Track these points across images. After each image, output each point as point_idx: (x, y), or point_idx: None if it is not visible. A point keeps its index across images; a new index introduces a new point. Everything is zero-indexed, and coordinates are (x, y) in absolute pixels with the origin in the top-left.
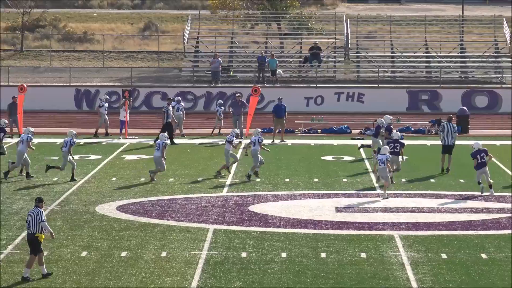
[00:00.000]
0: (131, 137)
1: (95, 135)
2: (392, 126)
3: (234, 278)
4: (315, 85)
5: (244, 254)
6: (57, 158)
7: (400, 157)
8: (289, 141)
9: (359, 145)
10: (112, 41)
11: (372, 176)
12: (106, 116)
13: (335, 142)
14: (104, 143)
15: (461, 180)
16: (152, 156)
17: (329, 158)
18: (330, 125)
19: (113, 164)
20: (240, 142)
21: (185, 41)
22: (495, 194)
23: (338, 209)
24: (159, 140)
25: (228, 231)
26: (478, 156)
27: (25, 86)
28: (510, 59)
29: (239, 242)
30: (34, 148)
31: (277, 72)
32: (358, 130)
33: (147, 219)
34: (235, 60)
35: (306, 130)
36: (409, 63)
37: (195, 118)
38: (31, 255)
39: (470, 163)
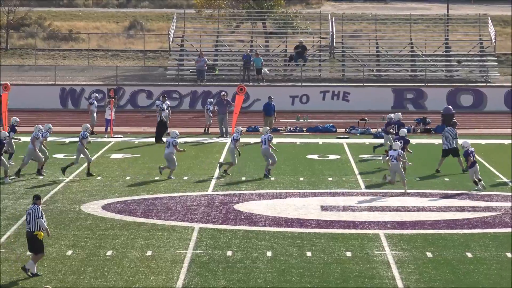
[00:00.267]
0: (116, 135)
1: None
2: (402, 122)
3: (219, 277)
4: (300, 84)
5: (229, 253)
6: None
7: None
8: (274, 140)
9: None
10: (97, 39)
11: (358, 176)
12: (95, 115)
13: (320, 140)
14: (89, 141)
15: (446, 179)
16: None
17: (315, 156)
18: (315, 124)
19: (98, 163)
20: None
21: (171, 39)
22: (481, 193)
23: (323, 208)
24: (169, 137)
25: (214, 230)
26: (471, 154)
27: (9, 84)
28: (495, 58)
29: (224, 241)
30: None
31: (262, 70)
32: (344, 129)
33: (133, 218)
34: (221, 59)
35: (292, 128)
36: (394, 62)
37: (180, 116)
38: (33, 253)
39: (455, 162)
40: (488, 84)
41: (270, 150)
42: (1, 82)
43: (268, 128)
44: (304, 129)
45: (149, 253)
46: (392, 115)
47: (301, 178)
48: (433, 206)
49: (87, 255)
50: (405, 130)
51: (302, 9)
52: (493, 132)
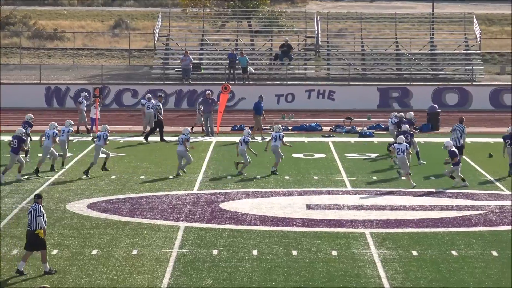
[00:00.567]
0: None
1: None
2: (413, 121)
3: (205, 275)
4: (285, 83)
5: (215, 252)
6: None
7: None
8: (259, 138)
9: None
10: (83, 38)
11: (344, 174)
12: (84, 113)
13: (306, 139)
14: (74, 140)
15: (432, 178)
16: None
17: (300, 155)
18: (300, 123)
19: (84, 162)
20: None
21: (156, 38)
22: (467, 191)
23: (309, 207)
24: (181, 135)
25: (199, 229)
26: (457, 153)
27: None
28: (480, 57)
29: (210, 239)
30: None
31: (248, 69)
32: (329, 128)
33: (118, 217)
34: (206, 58)
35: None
36: (380, 61)
37: (165, 115)
38: (42, 250)
39: (441, 161)
40: (473, 83)
41: (279, 148)
42: None
43: (280, 126)
44: (290, 128)
45: (134, 252)
46: (402, 114)
47: (287, 177)
48: (419, 205)
49: (72, 254)
50: (407, 126)
51: (288, 8)
52: (478, 131)
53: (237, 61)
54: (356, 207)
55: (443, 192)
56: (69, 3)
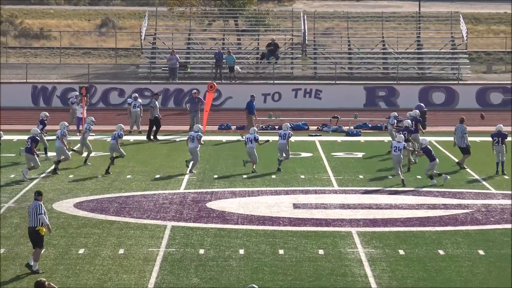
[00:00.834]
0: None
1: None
2: (419, 118)
3: (192, 275)
4: (272, 82)
5: (202, 251)
6: (13, 155)
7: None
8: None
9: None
10: (69, 37)
11: (330, 173)
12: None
13: (292, 138)
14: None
15: (418, 177)
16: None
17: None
18: (287, 122)
19: (70, 161)
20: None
21: (142, 37)
22: (453, 190)
23: (295, 206)
24: (192, 132)
25: (186, 228)
26: (431, 150)
27: None
28: (467, 56)
29: (197, 239)
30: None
31: (234, 68)
32: (316, 127)
33: (105, 216)
34: (193, 57)
35: (264, 126)
36: (366, 60)
37: None
38: (36, 248)
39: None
40: (460, 82)
41: (287, 146)
42: None
43: (288, 124)
44: (276, 127)
45: (121, 251)
46: (409, 112)
47: (273, 176)
48: (405, 204)
49: (59, 254)
50: (409, 121)
51: (274, 7)
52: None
53: (224, 60)
54: (343, 206)
55: (430, 191)
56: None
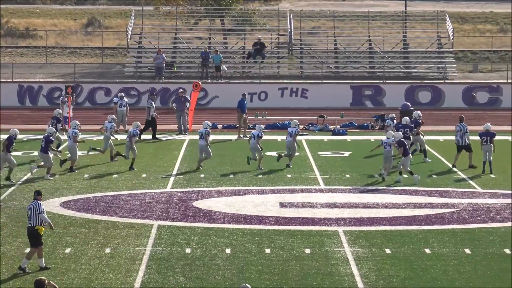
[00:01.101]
0: None
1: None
2: (420, 120)
3: (178, 274)
4: (258, 81)
5: (188, 250)
6: None
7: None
8: (232, 137)
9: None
10: (55, 37)
11: (317, 172)
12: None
13: (279, 137)
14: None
15: (405, 176)
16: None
17: (273, 153)
18: (274, 121)
19: (56, 160)
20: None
21: (129, 36)
22: (440, 189)
23: (282, 205)
24: (202, 129)
25: (172, 227)
26: (406, 143)
27: None
28: (453, 55)
29: (183, 238)
30: (83, 140)
31: (221, 68)
32: (302, 126)
33: (91, 215)
34: (179, 56)
35: (250, 125)
36: (353, 59)
37: (138, 114)
38: (32, 248)
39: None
40: (446, 81)
41: (295, 144)
42: None
43: (297, 122)
44: (263, 126)
45: (107, 250)
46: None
47: (260, 175)
48: (392, 203)
49: (45, 253)
50: (408, 119)
51: (260, 6)
52: (451, 129)
53: (210, 59)
54: (329, 205)
55: (416, 190)
56: (42, 2)
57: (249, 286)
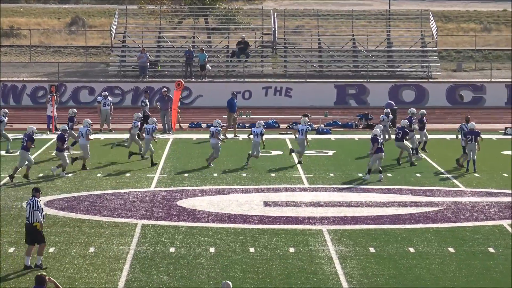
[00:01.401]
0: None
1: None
2: (413, 119)
3: (162, 273)
4: (242, 80)
5: (172, 249)
6: None
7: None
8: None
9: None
10: (39, 35)
11: (301, 171)
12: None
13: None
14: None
15: (389, 174)
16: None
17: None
18: (258, 120)
19: (40, 159)
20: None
21: (112, 35)
22: (424, 188)
23: (266, 204)
24: (212, 127)
25: (157, 226)
26: (379, 140)
27: None
28: (437, 54)
29: (167, 237)
30: (93, 139)
31: (206, 67)
32: (286, 125)
33: (75, 214)
34: (163, 55)
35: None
36: (337, 58)
37: (122, 112)
38: (30, 245)
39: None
40: (429, 80)
41: (305, 142)
42: None
43: (307, 120)
44: (247, 125)
45: (92, 249)
46: (414, 110)
47: (244, 174)
48: (376, 201)
49: None
50: (406, 121)
51: (244, 5)
52: (435, 128)
53: (196, 58)
54: (313, 204)
55: (400, 189)
56: (25, 1)
57: (230, 283)
